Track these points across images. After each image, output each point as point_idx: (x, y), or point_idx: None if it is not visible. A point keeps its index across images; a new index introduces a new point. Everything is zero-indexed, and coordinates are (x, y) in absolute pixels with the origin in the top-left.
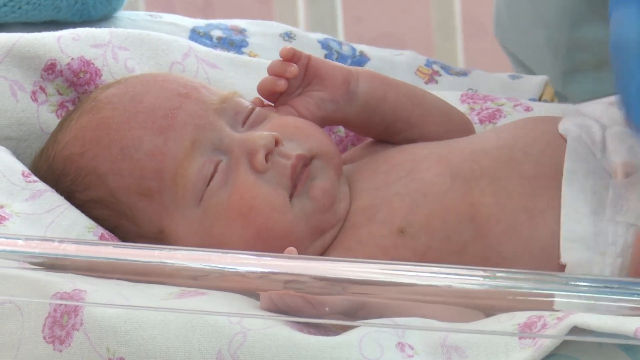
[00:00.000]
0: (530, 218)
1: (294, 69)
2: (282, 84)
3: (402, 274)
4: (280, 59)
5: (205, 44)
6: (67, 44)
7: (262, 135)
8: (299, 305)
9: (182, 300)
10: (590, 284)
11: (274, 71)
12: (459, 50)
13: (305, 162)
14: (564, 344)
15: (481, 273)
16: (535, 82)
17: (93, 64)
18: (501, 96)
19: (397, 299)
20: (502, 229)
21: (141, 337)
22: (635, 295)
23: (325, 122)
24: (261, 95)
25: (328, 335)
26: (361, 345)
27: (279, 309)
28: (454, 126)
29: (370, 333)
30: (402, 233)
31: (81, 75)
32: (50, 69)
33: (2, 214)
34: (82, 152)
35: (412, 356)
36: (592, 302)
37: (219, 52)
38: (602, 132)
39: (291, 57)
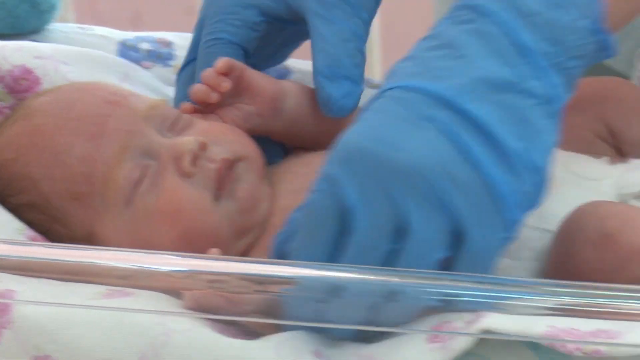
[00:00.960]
0: None
1: (227, 84)
2: (214, 97)
3: (318, 273)
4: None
5: (133, 57)
6: (10, 53)
7: (188, 140)
8: (221, 304)
9: (109, 300)
10: (500, 285)
11: (208, 82)
12: None
13: (230, 165)
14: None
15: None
16: None
17: (34, 72)
18: None
19: (319, 298)
20: None
21: (68, 335)
22: (545, 295)
23: (251, 133)
24: (193, 101)
25: (249, 338)
26: (278, 349)
27: (202, 307)
28: None
29: (288, 339)
30: None
31: (21, 82)
32: None
33: None
34: (16, 157)
35: None
36: (500, 301)
37: (155, 75)
38: None
39: (226, 70)
